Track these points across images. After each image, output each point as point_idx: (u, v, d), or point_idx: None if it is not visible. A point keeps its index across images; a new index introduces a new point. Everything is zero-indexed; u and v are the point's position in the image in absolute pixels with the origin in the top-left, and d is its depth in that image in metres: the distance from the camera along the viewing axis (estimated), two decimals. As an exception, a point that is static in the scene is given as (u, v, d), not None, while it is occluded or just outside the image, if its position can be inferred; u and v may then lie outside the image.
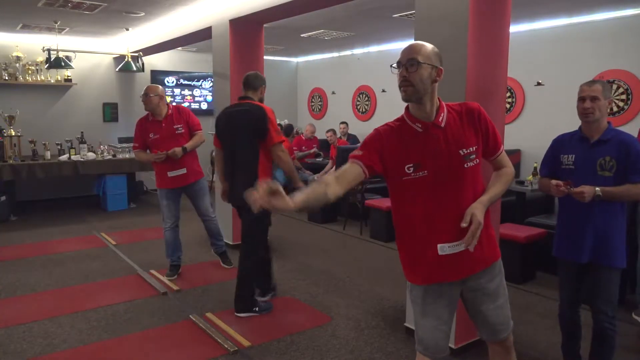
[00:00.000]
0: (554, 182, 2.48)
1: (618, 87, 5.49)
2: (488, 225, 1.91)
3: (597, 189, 2.38)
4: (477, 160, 1.85)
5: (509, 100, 6.52)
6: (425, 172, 1.80)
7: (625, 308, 3.62)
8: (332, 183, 1.74)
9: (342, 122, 8.36)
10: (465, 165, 1.81)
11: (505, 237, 4.23)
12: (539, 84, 6.23)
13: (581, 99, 2.49)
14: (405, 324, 3.37)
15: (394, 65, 1.81)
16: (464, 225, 1.75)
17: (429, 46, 1.81)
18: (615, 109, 5.53)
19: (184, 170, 4.27)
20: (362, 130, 8.56)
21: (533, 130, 6.27)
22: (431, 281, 1.91)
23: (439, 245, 1.84)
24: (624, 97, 5.45)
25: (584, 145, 2.53)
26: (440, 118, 1.83)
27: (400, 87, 1.79)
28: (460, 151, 1.81)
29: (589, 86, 2.48)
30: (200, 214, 4.52)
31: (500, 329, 2.00)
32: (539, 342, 3.26)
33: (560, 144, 2.64)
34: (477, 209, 1.77)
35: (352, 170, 1.81)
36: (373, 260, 5.11)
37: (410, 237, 1.91)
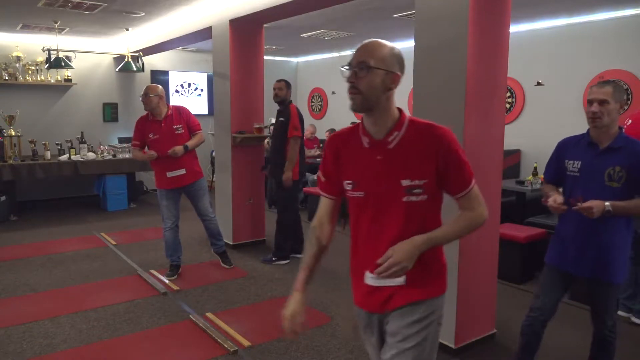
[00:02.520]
0: (551, 199, 2.35)
1: (618, 87, 5.49)
2: (426, 263, 1.58)
3: (606, 204, 2.20)
4: (426, 196, 1.54)
5: (509, 100, 6.51)
6: (362, 193, 1.59)
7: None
8: (319, 232, 1.71)
9: (352, 123, 8.30)
10: (405, 199, 1.53)
11: (505, 237, 4.22)
12: (539, 84, 6.23)
13: (589, 102, 2.31)
14: (405, 324, 3.37)
15: (345, 66, 1.54)
16: (379, 262, 1.52)
17: (387, 47, 1.53)
18: (615, 109, 5.53)
19: (183, 171, 4.26)
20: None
21: (533, 130, 6.27)
22: (358, 305, 1.72)
23: (366, 272, 1.64)
24: (624, 97, 5.44)
25: (591, 152, 2.35)
26: (392, 137, 1.55)
27: (348, 94, 1.54)
28: (403, 182, 1.53)
29: (599, 88, 2.29)
30: (199, 214, 4.52)
31: None
32: (539, 342, 3.26)
33: (566, 148, 2.46)
34: (401, 251, 1.50)
35: (326, 205, 1.74)
36: (373, 260, 5.10)
37: (353, 255, 1.72)
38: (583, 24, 5.77)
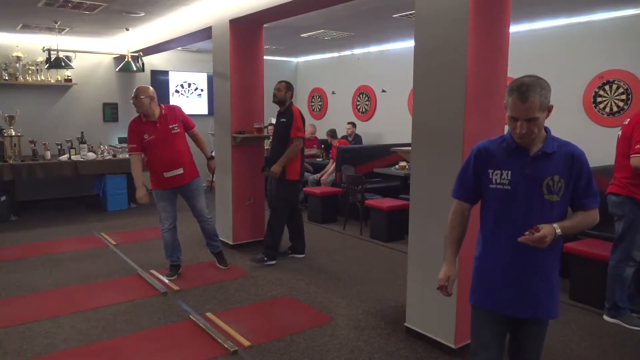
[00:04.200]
0: (445, 281, 2.00)
1: (618, 87, 5.49)
2: None
3: (555, 226, 1.80)
4: None
5: (509, 100, 6.51)
6: None
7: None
8: None
9: (349, 122, 8.32)
10: None
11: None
12: (539, 84, 6.22)
13: (511, 118, 1.83)
14: (405, 324, 3.37)
15: None
16: None
17: None
18: (615, 109, 5.54)
19: (180, 170, 4.26)
20: (363, 130, 8.55)
21: (533, 130, 6.26)
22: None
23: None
24: (624, 97, 5.45)
25: (522, 159, 1.88)
26: None
27: None
28: None
29: (523, 102, 1.77)
30: (195, 214, 4.50)
31: None
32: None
33: (488, 155, 1.96)
34: None
35: None
36: (373, 260, 5.11)
37: None
38: (583, 24, 5.77)
